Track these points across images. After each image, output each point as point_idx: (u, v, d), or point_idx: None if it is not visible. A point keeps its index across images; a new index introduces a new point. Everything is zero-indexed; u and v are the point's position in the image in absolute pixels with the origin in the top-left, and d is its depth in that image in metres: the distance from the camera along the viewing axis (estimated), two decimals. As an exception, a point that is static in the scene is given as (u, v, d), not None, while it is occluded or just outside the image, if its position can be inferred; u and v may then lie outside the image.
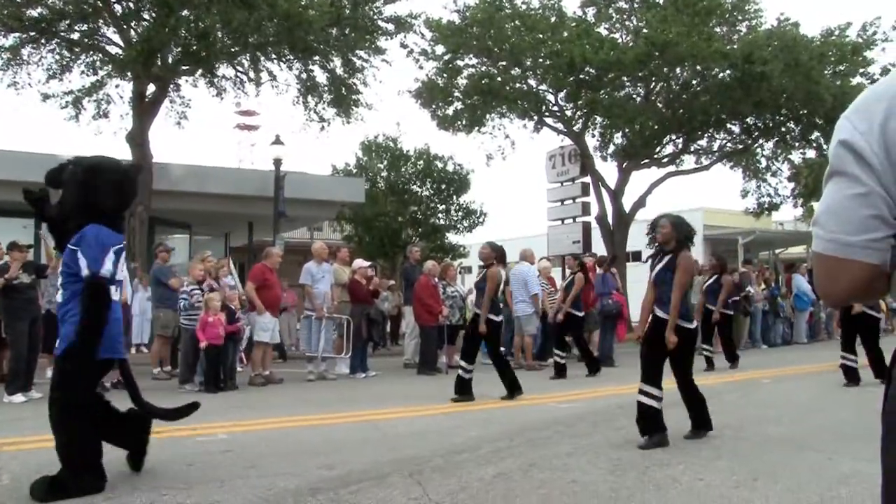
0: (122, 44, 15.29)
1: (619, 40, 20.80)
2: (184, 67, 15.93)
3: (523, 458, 5.36)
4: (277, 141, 17.67)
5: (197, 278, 10.06)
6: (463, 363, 8.66)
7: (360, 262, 12.34)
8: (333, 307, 11.39)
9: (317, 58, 16.48)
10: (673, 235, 6.00)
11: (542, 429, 6.60)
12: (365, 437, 6.31)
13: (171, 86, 16.64)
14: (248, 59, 16.72)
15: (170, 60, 15.55)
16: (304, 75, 17.08)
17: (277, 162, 17.45)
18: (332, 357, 11.53)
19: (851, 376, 9.57)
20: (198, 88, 17.68)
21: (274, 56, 16.55)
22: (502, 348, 13.63)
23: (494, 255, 8.68)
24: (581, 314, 11.70)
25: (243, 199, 18.30)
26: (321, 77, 17.31)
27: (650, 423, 5.79)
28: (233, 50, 15.77)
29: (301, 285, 11.68)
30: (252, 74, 17.31)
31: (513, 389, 8.62)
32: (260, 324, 10.57)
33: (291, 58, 16.50)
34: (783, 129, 22.51)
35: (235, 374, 10.21)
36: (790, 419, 7.06)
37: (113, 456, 5.45)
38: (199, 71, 16.14)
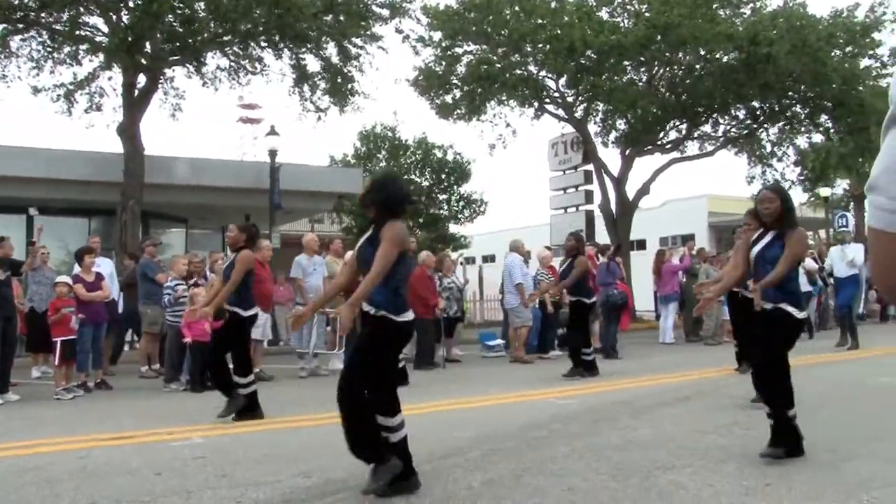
0: (108, 32, 14.87)
1: (621, 24, 20.33)
2: (172, 57, 15.49)
3: (516, 462, 4.99)
4: (272, 132, 17.32)
5: (180, 273, 9.70)
6: (240, 380, 7.01)
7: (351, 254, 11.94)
8: (326, 301, 11.00)
9: (310, 45, 16.03)
10: (378, 199, 4.50)
11: (538, 428, 6.22)
12: (350, 440, 5.94)
13: (162, 77, 16.22)
14: (239, 47, 16.28)
15: (157, 49, 15.10)
16: (296, 63, 16.65)
17: (272, 153, 17.12)
18: (325, 353, 11.18)
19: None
20: (192, 80, 17.20)
21: (265, 43, 16.10)
22: (500, 341, 13.22)
23: (244, 237, 7.45)
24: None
25: (240, 192, 17.95)
26: (315, 65, 16.89)
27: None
28: (222, 39, 15.34)
29: (293, 279, 11.33)
30: (244, 63, 16.89)
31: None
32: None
33: (283, 46, 16.05)
34: (789, 113, 22.01)
35: (224, 372, 9.84)
36: (804, 415, 6.57)
37: (75, 466, 5.11)
38: (187, 60, 15.70)
